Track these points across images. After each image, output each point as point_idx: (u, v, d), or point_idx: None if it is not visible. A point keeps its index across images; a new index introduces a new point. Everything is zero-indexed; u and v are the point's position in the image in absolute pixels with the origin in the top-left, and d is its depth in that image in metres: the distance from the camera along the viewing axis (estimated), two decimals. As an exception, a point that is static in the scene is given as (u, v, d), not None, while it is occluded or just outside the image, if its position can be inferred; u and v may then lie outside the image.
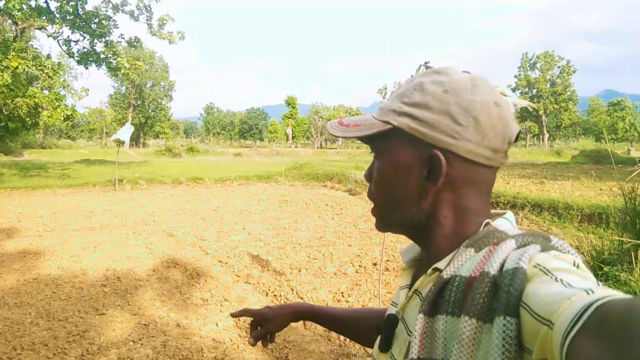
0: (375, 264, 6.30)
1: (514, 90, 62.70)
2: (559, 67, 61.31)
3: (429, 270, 0.70)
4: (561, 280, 0.51)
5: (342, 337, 4.20)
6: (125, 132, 14.84)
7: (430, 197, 0.72)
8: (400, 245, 7.29)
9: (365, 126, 0.76)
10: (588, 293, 0.46)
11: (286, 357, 3.85)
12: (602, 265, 4.15)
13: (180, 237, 7.94)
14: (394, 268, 6.13)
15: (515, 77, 63.69)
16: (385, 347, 0.76)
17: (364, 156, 36.63)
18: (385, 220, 0.79)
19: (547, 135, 64.12)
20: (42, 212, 10.21)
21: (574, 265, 0.56)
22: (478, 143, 0.69)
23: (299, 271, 6.03)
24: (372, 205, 0.81)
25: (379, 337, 0.80)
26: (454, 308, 0.61)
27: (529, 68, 63.11)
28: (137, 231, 8.39)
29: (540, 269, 0.54)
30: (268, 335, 1.22)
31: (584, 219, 8.58)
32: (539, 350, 0.49)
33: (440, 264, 0.69)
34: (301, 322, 4.59)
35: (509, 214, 0.74)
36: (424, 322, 0.65)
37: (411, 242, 0.85)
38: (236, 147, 71.52)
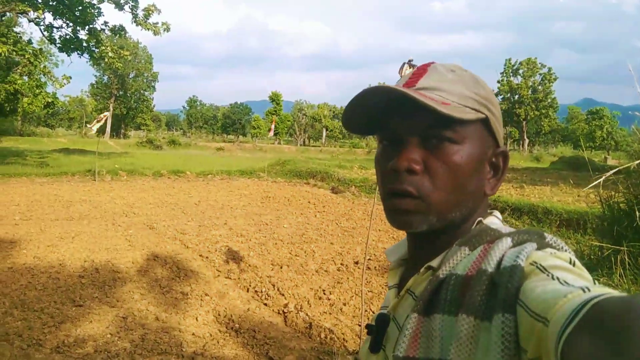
0: (357, 263, 6.31)
1: (497, 94, 63.43)
2: (540, 74, 62.08)
3: (422, 269, 0.69)
4: (558, 278, 0.51)
5: (322, 335, 4.18)
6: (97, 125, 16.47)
7: (493, 194, 0.73)
8: (383, 244, 7.32)
9: (454, 107, 0.65)
10: (584, 291, 0.46)
11: (267, 353, 3.82)
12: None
13: (161, 230, 7.84)
14: (375, 267, 6.14)
15: (498, 82, 64.27)
16: (376, 348, 0.75)
17: (347, 155, 36.69)
18: (441, 215, 0.68)
19: (527, 141, 64.86)
20: (18, 201, 10.00)
21: (570, 262, 0.56)
22: None
23: (281, 267, 6.01)
24: (378, 202, 0.77)
25: (368, 338, 0.78)
26: (451, 307, 0.60)
27: (511, 74, 63.76)
28: (117, 222, 8.27)
29: (537, 267, 0.54)
30: None
31: (563, 224, 8.71)
32: (534, 348, 0.48)
33: (433, 262, 0.68)
34: (282, 318, 4.59)
35: (497, 212, 0.75)
36: (418, 322, 0.64)
37: (395, 241, 0.84)
38: (219, 141, 70.85)
